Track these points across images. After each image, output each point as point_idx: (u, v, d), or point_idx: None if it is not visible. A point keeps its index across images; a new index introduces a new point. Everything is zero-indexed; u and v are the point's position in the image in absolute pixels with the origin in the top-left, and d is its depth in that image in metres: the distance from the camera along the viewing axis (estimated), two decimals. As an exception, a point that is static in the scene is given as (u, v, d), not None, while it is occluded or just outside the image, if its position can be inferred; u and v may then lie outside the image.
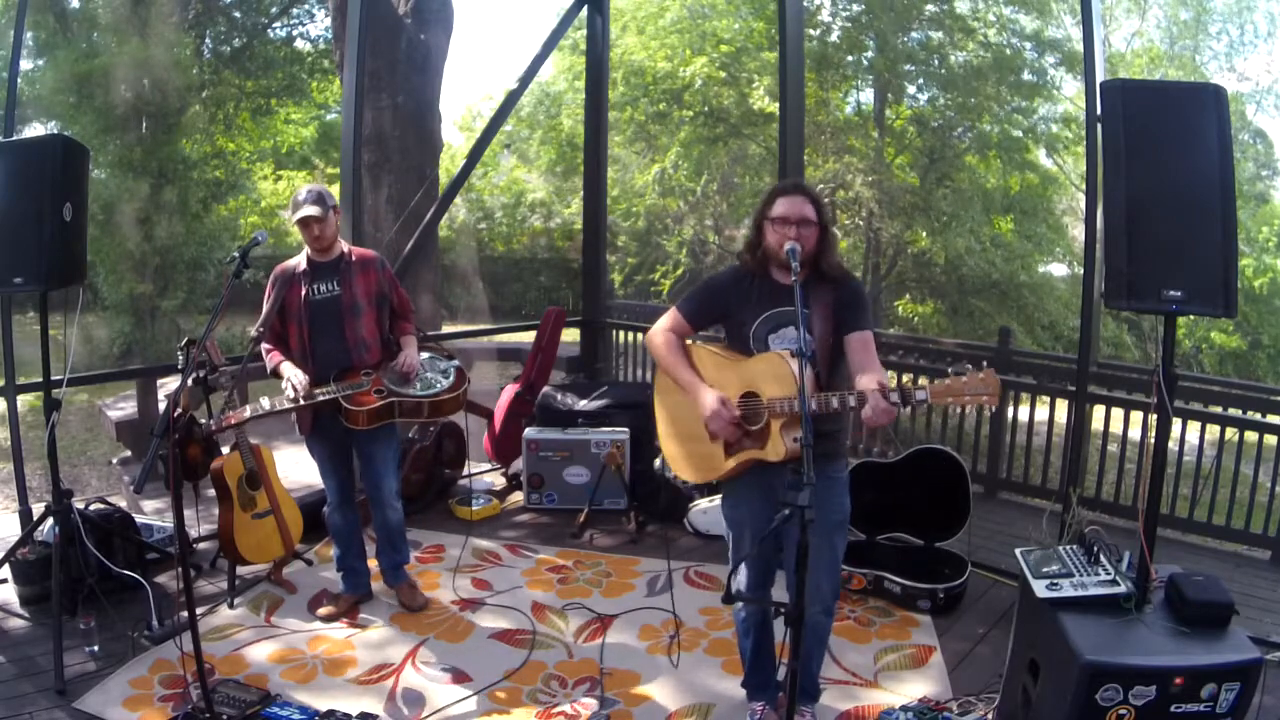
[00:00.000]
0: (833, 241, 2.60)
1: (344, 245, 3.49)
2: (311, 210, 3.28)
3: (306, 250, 3.43)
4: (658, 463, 5.18)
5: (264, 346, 3.43)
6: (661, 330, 2.71)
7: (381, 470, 3.55)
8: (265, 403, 3.32)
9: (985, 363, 2.20)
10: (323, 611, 3.61)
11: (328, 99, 15.30)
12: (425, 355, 3.60)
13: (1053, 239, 11.59)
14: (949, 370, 2.21)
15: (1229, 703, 2.22)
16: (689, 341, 2.73)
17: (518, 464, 5.10)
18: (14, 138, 3.85)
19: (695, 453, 2.69)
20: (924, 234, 10.92)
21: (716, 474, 2.65)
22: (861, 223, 11.32)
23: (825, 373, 2.50)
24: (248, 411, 3.31)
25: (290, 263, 3.46)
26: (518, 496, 5.09)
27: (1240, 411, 5.37)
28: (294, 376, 3.32)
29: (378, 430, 3.44)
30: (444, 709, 2.98)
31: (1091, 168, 3.70)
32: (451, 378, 3.61)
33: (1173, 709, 2.23)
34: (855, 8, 11.53)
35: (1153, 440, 2.74)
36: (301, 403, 3.30)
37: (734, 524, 2.74)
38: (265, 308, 3.36)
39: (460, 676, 3.19)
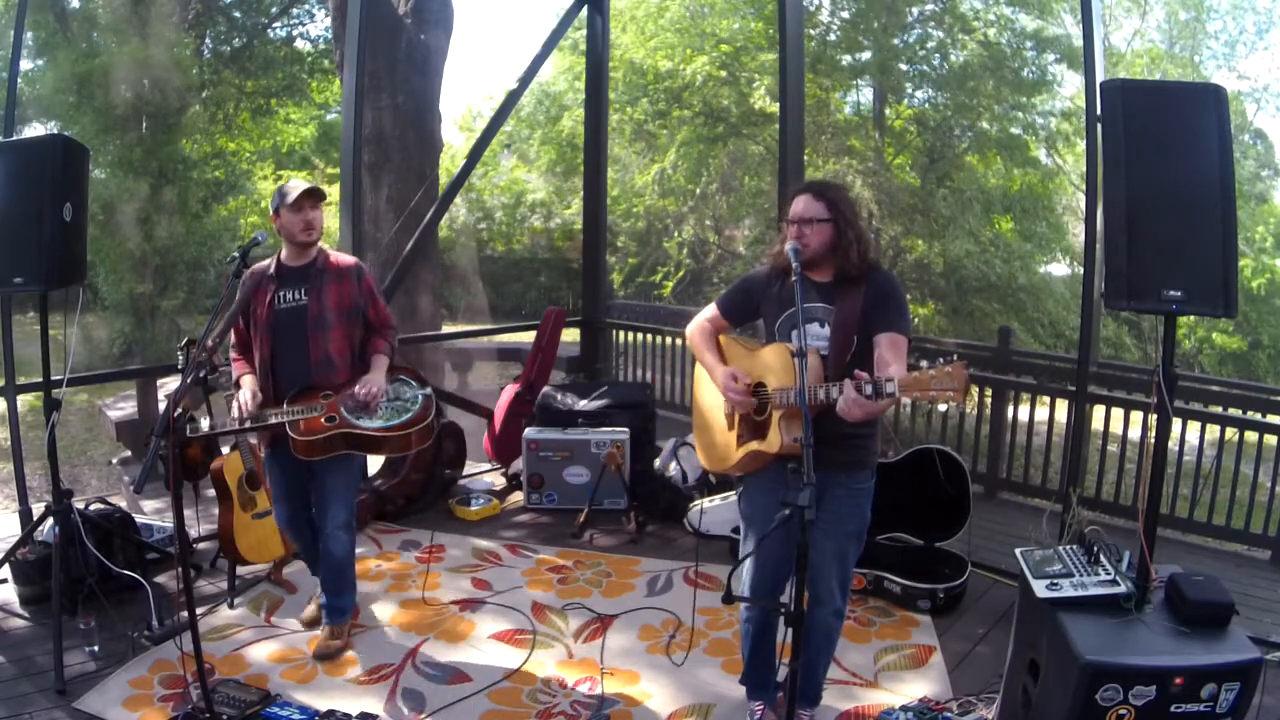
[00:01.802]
0: (852, 239, 2.50)
1: (323, 249, 3.21)
2: (313, 184, 3.11)
3: (280, 253, 3.16)
4: (657, 463, 5.19)
5: (232, 354, 3.22)
6: (699, 322, 2.79)
7: (330, 497, 3.22)
8: (205, 424, 3.06)
9: (955, 355, 2.17)
10: (307, 614, 3.52)
11: (328, 99, 15.31)
12: (396, 381, 3.26)
13: (1053, 237, 11.60)
14: (921, 363, 2.18)
15: (1229, 703, 2.22)
16: (723, 337, 2.77)
17: (518, 464, 5.09)
18: (14, 138, 3.85)
19: (714, 441, 2.75)
20: (924, 235, 10.93)
21: (728, 464, 2.68)
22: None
23: (838, 373, 2.43)
24: (187, 431, 3.04)
25: (260, 265, 3.18)
26: (518, 496, 5.09)
27: (1240, 411, 5.37)
28: (243, 395, 3.04)
29: (330, 457, 3.12)
30: (444, 709, 2.98)
31: (1091, 168, 3.70)
32: (417, 408, 3.21)
33: (1173, 709, 2.22)
34: (855, 7, 11.53)
35: (1153, 440, 2.74)
36: (247, 425, 3.00)
37: (744, 521, 2.76)
38: (226, 314, 3.05)
39: (460, 676, 3.19)
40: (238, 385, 3.11)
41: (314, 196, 3.11)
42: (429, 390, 3.31)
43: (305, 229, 3.09)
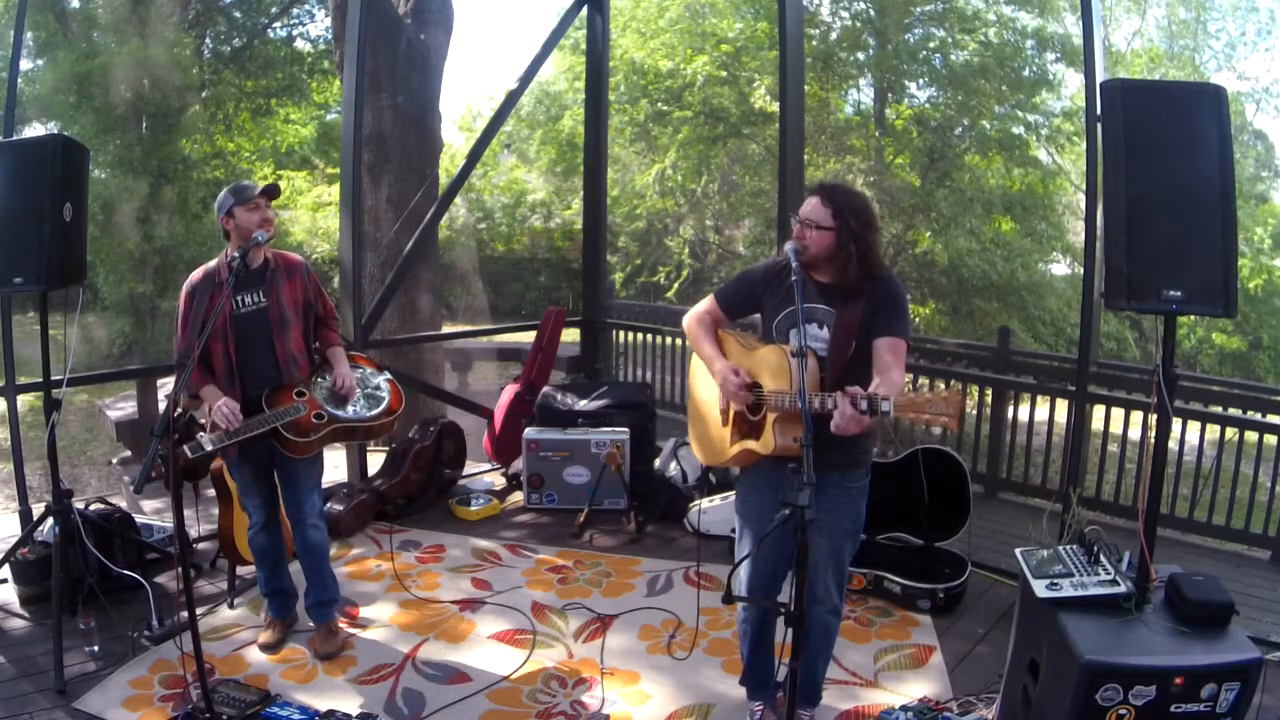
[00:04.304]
0: (852, 252, 2.45)
1: (267, 250, 3.17)
2: (270, 184, 3.09)
3: (226, 256, 3.07)
4: (657, 463, 5.19)
5: (176, 368, 3.05)
6: (696, 313, 2.77)
7: (305, 491, 3.25)
8: (208, 445, 2.88)
9: (952, 381, 2.19)
10: (264, 639, 3.38)
11: (328, 99, 15.30)
12: (355, 370, 3.32)
13: (1053, 235, 11.60)
14: (919, 385, 2.20)
15: (1229, 703, 2.22)
16: (720, 331, 2.75)
17: (518, 464, 5.10)
18: (14, 138, 3.85)
19: (708, 434, 2.74)
20: (925, 235, 10.92)
21: (722, 459, 2.67)
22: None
23: (835, 376, 2.43)
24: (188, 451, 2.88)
25: (208, 267, 3.11)
26: (518, 496, 5.09)
27: (1240, 411, 5.38)
28: (221, 407, 2.93)
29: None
30: (444, 709, 2.98)
31: (1091, 168, 3.70)
32: (388, 394, 3.35)
33: (1173, 709, 2.22)
34: (857, 6, 11.53)
35: (1153, 440, 2.74)
36: (239, 438, 2.93)
37: (741, 518, 2.75)
38: (186, 326, 3.00)
39: (460, 676, 3.19)
40: (197, 398, 3.00)
41: (270, 194, 3.08)
42: (389, 374, 3.44)
43: (264, 222, 3.02)
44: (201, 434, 2.90)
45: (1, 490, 7.41)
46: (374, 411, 3.28)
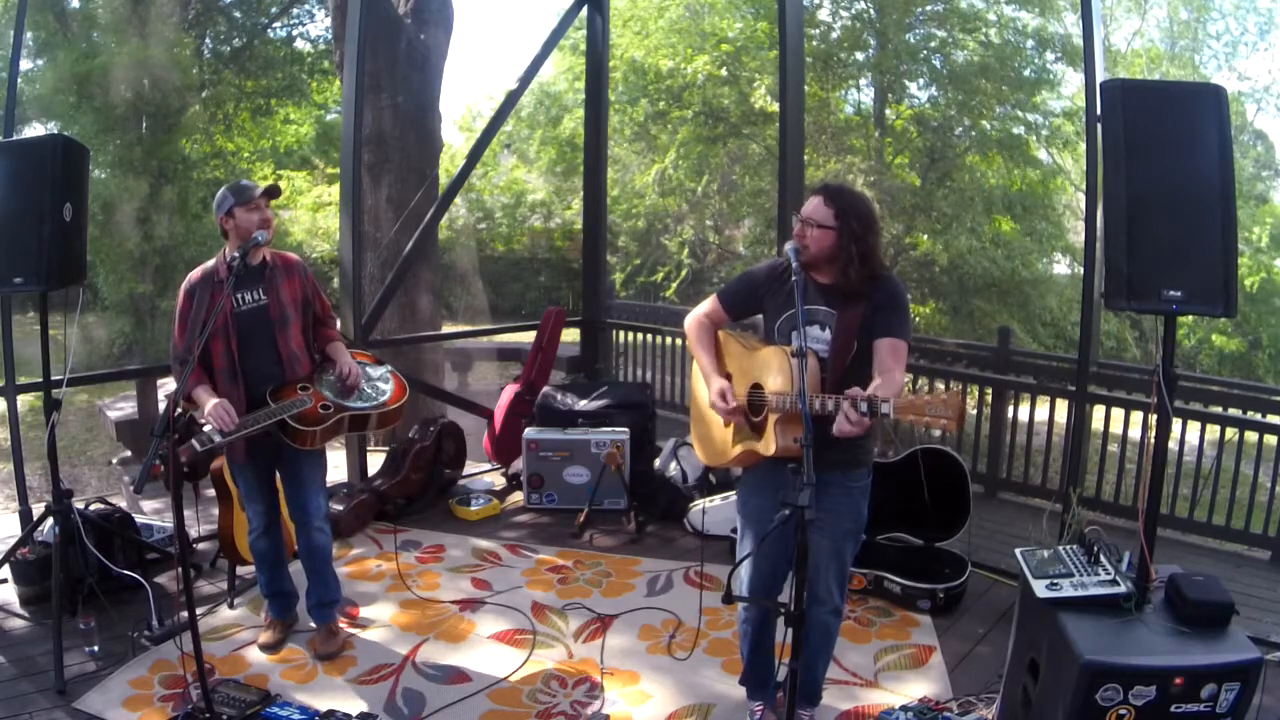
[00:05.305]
0: (854, 253, 2.45)
1: (265, 250, 3.17)
2: (270, 184, 3.10)
3: (225, 255, 3.07)
4: (657, 463, 5.19)
5: (174, 367, 3.08)
6: (697, 315, 2.75)
7: (311, 491, 3.26)
8: (217, 438, 2.85)
9: (952, 381, 2.19)
10: (264, 639, 3.38)
11: (328, 99, 15.30)
12: (358, 363, 3.33)
13: (1053, 235, 11.60)
14: (914, 388, 2.19)
15: (1229, 703, 2.22)
16: (722, 332, 2.75)
17: (518, 464, 5.10)
18: (14, 138, 3.84)
19: (710, 435, 2.74)
20: (925, 235, 10.92)
21: (724, 460, 2.68)
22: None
23: (836, 377, 2.43)
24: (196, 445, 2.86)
25: (207, 267, 3.10)
26: (518, 496, 5.09)
27: (1240, 411, 5.38)
28: (216, 407, 2.89)
29: (305, 450, 3.16)
30: (444, 709, 2.98)
31: (1091, 168, 3.70)
32: (391, 384, 3.38)
33: (1173, 709, 2.22)
34: (857, 6, 11.53)
35: (1153, 440, 2.74)
36: (247, 430, 2.93)
37: (741, 518, 2.75)
38: (186, 326, 3.01)
39: (460, 676, 3.19)
40: (190, 400, 2.96)
41: (271, 195, 3.09)
42: (390, 367, 3.49)
43: (263, 222, 3.03)
44: (208, 427, 2.88)
45: (1, 490, 7.40)
46: (380, 400, 3.30)
